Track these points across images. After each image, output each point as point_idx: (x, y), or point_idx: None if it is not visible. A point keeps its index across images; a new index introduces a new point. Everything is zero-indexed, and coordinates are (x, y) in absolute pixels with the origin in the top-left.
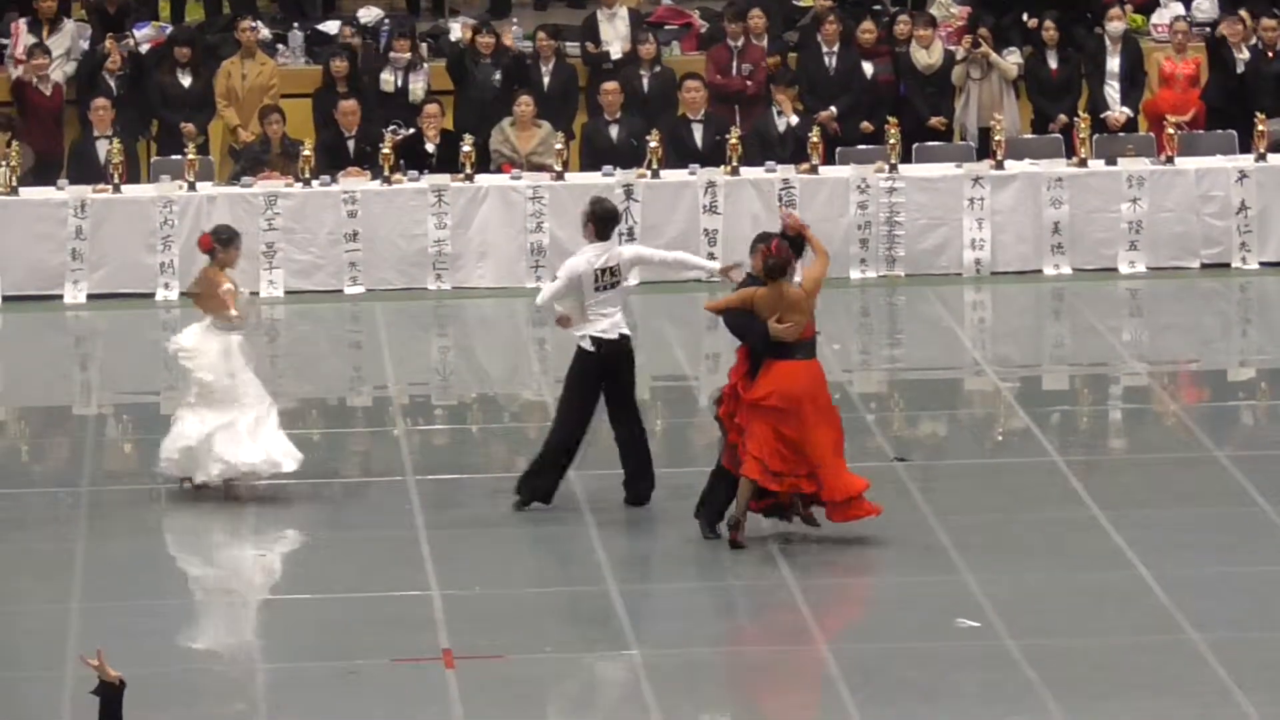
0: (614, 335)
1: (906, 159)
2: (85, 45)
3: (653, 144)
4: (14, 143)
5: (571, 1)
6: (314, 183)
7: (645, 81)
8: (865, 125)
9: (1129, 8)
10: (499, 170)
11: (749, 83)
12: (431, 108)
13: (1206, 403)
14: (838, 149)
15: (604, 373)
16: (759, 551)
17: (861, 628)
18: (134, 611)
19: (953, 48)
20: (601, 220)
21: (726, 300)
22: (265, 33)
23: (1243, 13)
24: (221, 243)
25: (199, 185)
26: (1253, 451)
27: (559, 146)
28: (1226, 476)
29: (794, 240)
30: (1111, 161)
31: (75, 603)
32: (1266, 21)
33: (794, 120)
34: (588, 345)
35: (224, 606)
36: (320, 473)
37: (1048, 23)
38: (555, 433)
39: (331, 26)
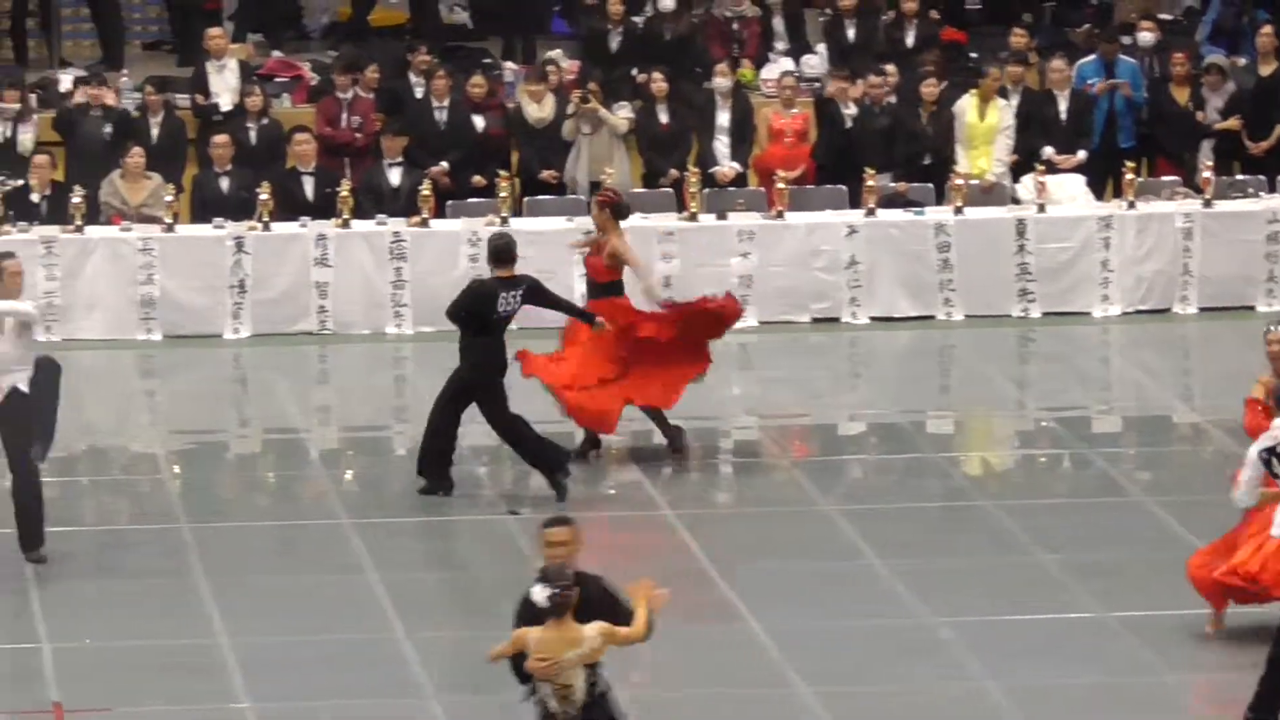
0: None
1: (518, 212)
2: None
3: (263, 196)
4: None
5: (181, 54)
6: None
7: (253, 133)
8: (477, 179)
9: (742, 63)
10: (109, 222)
11: (358, 135)
12: (40, 159)
13: (816, 457)
14: (449, 202)
15: None
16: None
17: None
18: None
19: (564, 101)
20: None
21: None
22: None
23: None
24: None
25: None
26: (862, 505)
27: (169, 198)
28: (835, 529)
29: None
30: (722, 216)
31: None
32: (873, 79)
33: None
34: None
35: None
36: None
37: (656, 76)
38: None
39: None
